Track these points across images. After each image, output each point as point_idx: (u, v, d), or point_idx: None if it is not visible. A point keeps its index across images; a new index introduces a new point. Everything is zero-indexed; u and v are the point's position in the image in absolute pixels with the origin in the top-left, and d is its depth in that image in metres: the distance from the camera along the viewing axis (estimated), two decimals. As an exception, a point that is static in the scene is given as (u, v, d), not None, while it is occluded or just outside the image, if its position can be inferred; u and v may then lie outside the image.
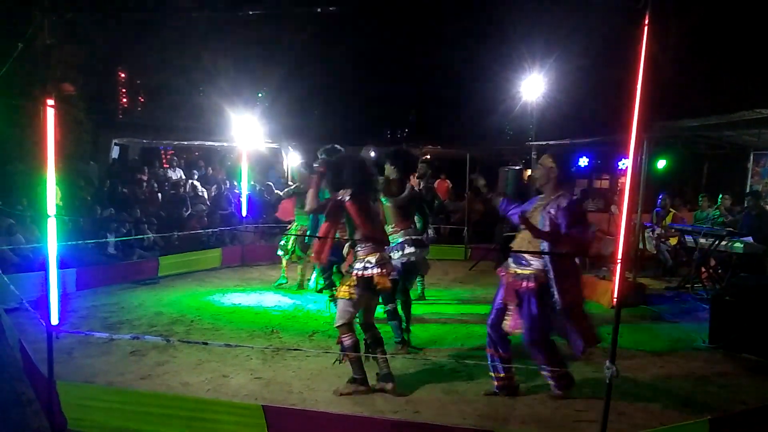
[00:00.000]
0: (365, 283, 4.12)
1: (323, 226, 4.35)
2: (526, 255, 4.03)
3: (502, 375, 4.18)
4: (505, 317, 4.12)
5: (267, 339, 5.51)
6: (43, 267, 3.50)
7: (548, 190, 4.16)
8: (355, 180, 4.17)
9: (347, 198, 4.13)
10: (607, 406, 3.09)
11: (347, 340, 4.11)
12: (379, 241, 4.25)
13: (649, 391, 4.40)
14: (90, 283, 7.23)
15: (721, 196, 9.89)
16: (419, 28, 19.33)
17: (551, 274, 3.94)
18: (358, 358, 4.15)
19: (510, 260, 4.19)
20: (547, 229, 3.96)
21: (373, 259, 4.13)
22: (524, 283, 4.01)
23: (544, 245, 3.97)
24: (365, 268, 4.11)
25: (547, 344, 4.14)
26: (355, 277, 4.14)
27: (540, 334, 4.05)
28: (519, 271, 4.08)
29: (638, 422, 3.78)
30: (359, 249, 4.19)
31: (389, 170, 5.24)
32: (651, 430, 3.31)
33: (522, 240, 4.12)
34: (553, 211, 3.99)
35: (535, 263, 4.01)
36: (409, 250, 5.16)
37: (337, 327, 4.14)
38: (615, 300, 3.15)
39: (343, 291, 4.17)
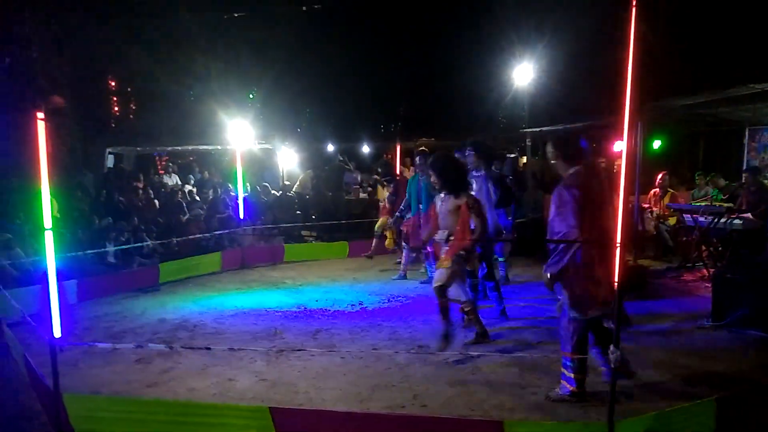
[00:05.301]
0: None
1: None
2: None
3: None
4: None
5: (270, 340, 5.51)
6: (43, 280, 3.48)
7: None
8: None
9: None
10: (614, 389, 3.10)
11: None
12: None
13: (655, 371, 4.41)
14: (91, 294, 7.21)
15: (712, 174, 9.92)
16: (407, 20, 19.29)
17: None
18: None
19: None
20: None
21: None
22: None
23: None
24: None
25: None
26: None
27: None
28: None
29: (644, 403, 3.78)
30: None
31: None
32: (658, 412, 3.31)
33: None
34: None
35: None
36: None
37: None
38: (616, 283, 3.15)
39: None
